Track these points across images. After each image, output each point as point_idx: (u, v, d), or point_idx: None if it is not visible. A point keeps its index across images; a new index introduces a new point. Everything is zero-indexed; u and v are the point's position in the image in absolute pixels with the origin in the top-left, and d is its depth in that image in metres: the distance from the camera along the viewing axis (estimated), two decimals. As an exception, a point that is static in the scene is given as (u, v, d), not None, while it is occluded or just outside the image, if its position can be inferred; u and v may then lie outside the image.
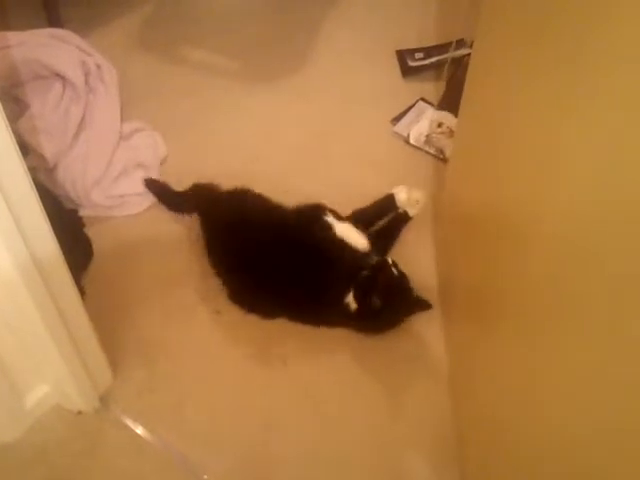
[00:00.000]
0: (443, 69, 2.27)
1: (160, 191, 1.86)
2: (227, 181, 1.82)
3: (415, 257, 1.74)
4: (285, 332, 1.59)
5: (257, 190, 1.77)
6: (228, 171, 1.94)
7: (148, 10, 2.53)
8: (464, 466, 1.36)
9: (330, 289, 1.54)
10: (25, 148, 1.74)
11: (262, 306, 1.59)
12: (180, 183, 1.89)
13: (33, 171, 1.71)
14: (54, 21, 2.23)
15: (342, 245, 1.57)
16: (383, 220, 1.78)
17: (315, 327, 1.58)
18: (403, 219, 1.79)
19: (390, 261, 1.54)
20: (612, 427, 0.75)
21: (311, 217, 1.63)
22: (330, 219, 1.62)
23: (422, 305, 1.57)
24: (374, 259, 1.56)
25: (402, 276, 1.54)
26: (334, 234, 1.59)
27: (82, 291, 1.45)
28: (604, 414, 0.77)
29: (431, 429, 1.46)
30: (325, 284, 1.54)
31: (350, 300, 1.52)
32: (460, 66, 2.14)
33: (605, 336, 0.76)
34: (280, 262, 1.55)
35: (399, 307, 1.55)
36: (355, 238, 1.59)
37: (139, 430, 1.41)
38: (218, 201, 1.76)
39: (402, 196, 1.78)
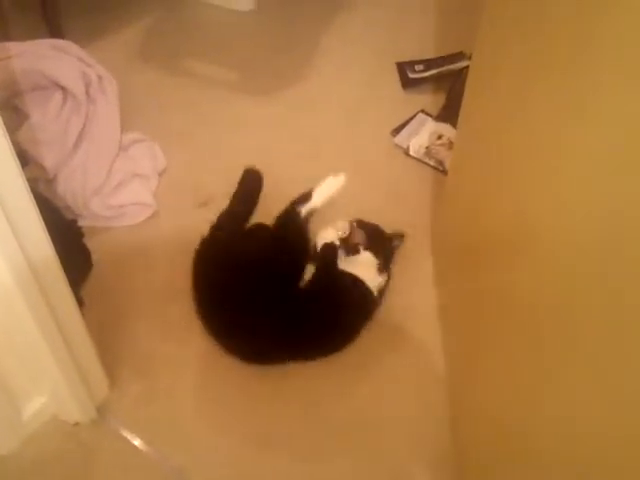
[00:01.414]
0: (443, 81, 2.27)
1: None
2: (226, 192, 1.82)
3: (414, 267, 1.74)
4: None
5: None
6: (227, 183, 1.94)
7: (149, 22, 2.54)
8: (463, 474, 1.36)
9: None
10: (25, 158, 1.74)
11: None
12: (178, 194, 1.90)
13: (33, 182, 1.71)
14: (55, 32, 2.24)
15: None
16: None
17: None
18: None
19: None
20: (616, 434, 0.75)
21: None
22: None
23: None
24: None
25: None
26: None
27: (81, 302, 1.44)
28: (606, 420, 0.77)
29: (430, 437, 1.46)
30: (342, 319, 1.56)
31: None
32: (460, 78, 2.15)
33: (606, 343, 0.76)
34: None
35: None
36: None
37: (136, 442, 1.40)
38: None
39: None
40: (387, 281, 1.63)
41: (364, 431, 1.46)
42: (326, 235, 1.64)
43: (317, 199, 1.69)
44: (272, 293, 1.50)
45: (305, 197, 1.70)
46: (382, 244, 1.65)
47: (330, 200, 1.69)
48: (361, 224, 1.66)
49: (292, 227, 1.66)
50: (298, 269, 1.59)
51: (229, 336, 1.54)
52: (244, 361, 1.52)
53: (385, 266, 1.63)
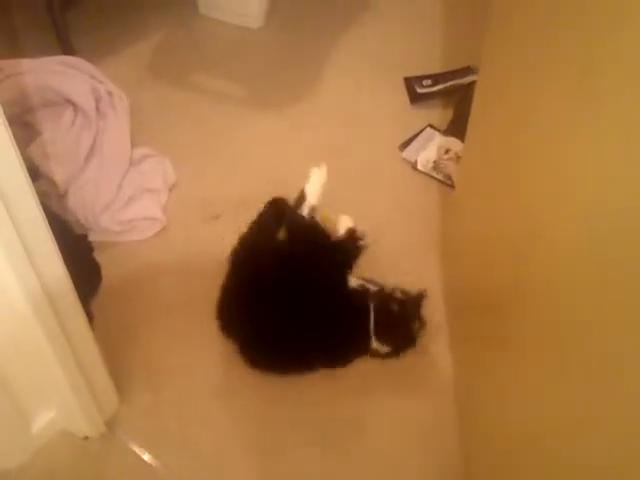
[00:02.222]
0: (451, 96, 2.28)
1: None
2: (235, 207, 1.83)
3: (422, 274, 1.74)
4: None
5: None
6: (236, 197, 1.96)
7: (159, 39, 2.56)
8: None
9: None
10: (36, 173, 1.76)
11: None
12: (188, 209, 1.91)
13: (44, 196, 1.72)
14: (66, 48, 2.26)
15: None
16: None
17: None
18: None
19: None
20: (624, 446, 0.75)
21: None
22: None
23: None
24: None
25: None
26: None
27: (90, 315, 1.45)
28: (614, 431, 0.76)
29: (438, 446, 1.46)
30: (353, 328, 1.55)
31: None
32: (468, 92, 2.15)
33: (614, 353, 0.76)
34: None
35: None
36: None
37: (145, 456, 1.41)
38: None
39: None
40: None
41: (374, 445, 1.46)
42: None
43: (312, 196, 1.68)
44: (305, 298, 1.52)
45: (300, 199, 1.70)
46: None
47: (323, 192, 1.70)
48: None
49: (305, 231, 1.66)
50: (324, 270, 1.58)
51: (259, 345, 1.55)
52: (267, 371, 1.53)
53: None
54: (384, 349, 1.54)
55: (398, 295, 1.54)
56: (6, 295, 1.05)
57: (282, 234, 1.67)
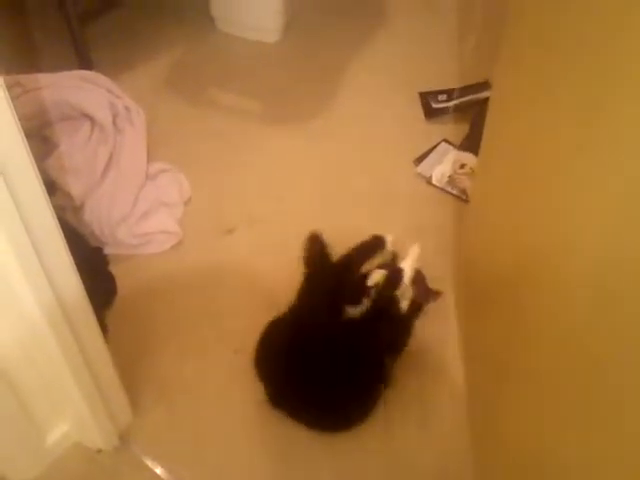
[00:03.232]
0: (466, 111, 2.28)
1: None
2: (249, 222, 1.84)
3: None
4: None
5: (279, 231, 1.78)
6: (251, 212, 1.96)
7: (175, 54, 2.58)
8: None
9: None
10: (53, 187, 1.77)
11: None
12: (203, 223, 1.92)
13: (60, 210, 1.74)
14: (84, 63, 2.29)
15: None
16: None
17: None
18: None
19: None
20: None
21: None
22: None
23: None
24: None
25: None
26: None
27: (105, 328, 1.46)
28: (626, 451, 0.76)
29: (450, 455, 1.45)
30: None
31: None
32: (483, 107, 2.15)
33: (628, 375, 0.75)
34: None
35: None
36: None
37: (158, 470, 1.41)
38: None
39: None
40: None
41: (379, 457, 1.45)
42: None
43: (407, 275, 1.55)
44: None
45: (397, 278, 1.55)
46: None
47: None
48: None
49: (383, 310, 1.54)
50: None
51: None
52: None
53: None
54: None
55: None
56: (21, 307, 1.06)
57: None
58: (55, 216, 1.02)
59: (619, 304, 0.78)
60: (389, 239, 1.63)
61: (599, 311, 0.85)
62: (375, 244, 1.62)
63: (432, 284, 1.66)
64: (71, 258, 1.08)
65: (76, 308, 1.14)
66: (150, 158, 1.97)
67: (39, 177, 0.96)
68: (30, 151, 0.92)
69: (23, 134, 0.89)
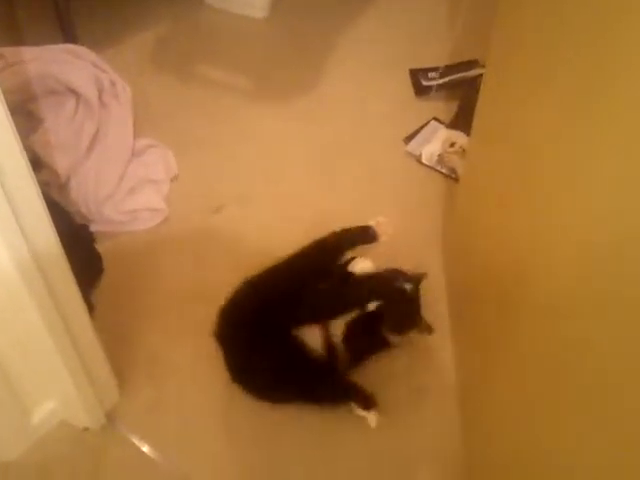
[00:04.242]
0: (456, 89, 2.26)
1: None
2: (237, 199, 1.82)
3: (426, 267, 1.71)
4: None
5: (267, 210, 1.76)
6: (238, 190, 1.95)
7: (162, 29, 2.55)
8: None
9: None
10: (38, 163, 1.75)
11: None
12: (190, 200, 1.90)
13: (45, 186, 1.72)
14: (69, 37, 2.25)
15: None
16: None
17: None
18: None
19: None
20: (628, 448, 0.74)
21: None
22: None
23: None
24: None
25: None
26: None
27: (91, 306, 1.45)
28: (619, 432, 0.76)
29: (442, 446, 1.45)
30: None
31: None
32: (473, 86, 2.14)
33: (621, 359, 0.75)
34: None
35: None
36: None
37: (144, 448, 1.40)
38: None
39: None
40: None
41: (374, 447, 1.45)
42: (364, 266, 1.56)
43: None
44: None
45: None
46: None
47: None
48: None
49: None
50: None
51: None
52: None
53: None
54: (396, 339, 1.52)
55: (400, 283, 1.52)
56: (2, 282, 1.05)
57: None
58: (40, 193, 1.00)
59: (606, 286, 0.78)
60: (379, 224, 1.58)
61: (586, 292, 0.84)
62: (363, 235, 1.57)
63: (422, 261, 1.66)
64: (55, 232, 1.07)
65: (60, 282, 1.13)
66: (136, 134, 1.95)
67: (24, 153, 0.94)
68: (13, 124, 0.90)
69: (5, 105, 0.87)
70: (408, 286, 1.50)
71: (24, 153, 0.94)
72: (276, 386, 1.47)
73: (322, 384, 1.46)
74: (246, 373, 1.49)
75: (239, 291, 1.51)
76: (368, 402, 1.44)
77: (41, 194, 1.01)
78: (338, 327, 1.46)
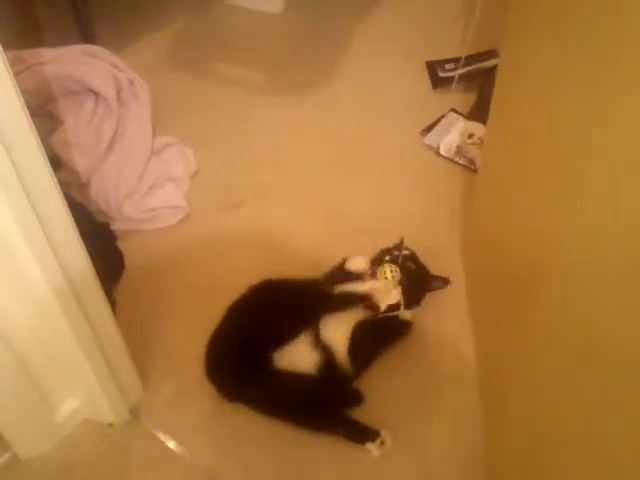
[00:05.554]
0: (474, 79, 2.25)
1: None
2: (256, 194, 1.82)
3: (445, 258, 1.74)
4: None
5: (285, 205, 1.77)
6: (257, 184, 1.96)
7: (178, 27, 2.56)
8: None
9: None
10: (58, 163, 1.77)
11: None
12: (209, 197, 1.91)
13: (66, 186, 1.73)
14: (87, 37, 2.27)
15: None
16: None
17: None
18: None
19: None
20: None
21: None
22: None
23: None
24: None
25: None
26: None
27: (113, 304, 1.46)
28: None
29: (462, 434, 1.44)
30: None
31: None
32: (491, 76, 2.13)
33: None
34: None
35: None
36: None
37: (170, 443, 1.41)
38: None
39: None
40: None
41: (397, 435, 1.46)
42: (358, 263, 1.55)
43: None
44: None
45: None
46: (421, 286, 1.55)
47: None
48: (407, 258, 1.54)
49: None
50: None
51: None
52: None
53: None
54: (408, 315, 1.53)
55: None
56: (28, 281, 1.06)
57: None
58: (59, 188, 1.01)
59: (622, 272, 0.78)
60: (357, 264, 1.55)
61: (603, 279, 0.84)
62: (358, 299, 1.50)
63: (441, 252, 1.66)
64: (77, 232, 1.08)
65: (84, 282, 1.14)
66: (155, 132, 1.96)
67: (44, 153, 0.95)
68: (33, 125, 0.91)
69: (24, 105, 0.88)
70: (405, 252, 1.52)
71: (45, 154, 0.95)
72: (272, 415, 1.45)
73: (314, 420, 1.44)
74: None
75: (223, 325, 1.51)
76: (362, 436, 1.41)
77: (62, 193, 1.02)
78: (331, 332, 1.45)
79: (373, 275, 1.50)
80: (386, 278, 1.48)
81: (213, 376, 1.47)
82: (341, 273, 1.55)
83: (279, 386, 1.42)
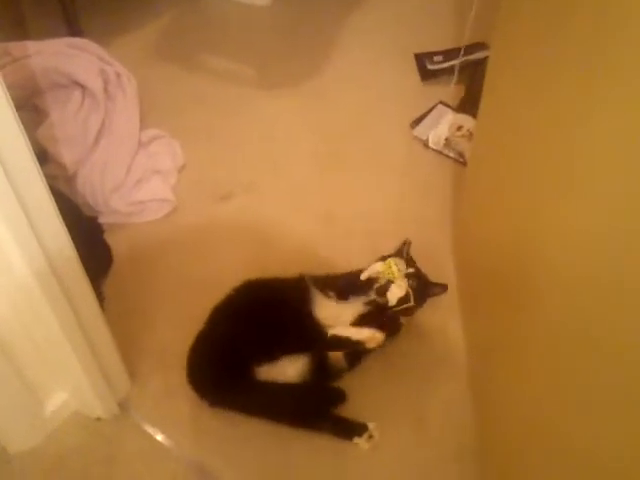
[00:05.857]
0: (463, 72, 2.25)
1: None
2: (244, 188, 1.82)
3: (435, 251, 1.75)
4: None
5: (274, 197, 1.77)
6: (245, 178, 1.95)
7: (166, 19, 2.55)
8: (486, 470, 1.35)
9: None
10: (44, 156, 1.76)
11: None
12: (197, 190, 1.91)
13: (53, 180, 1.72)
14: (74, 31, 2.26)
15: None
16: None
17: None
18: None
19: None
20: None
21: None
22: None
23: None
24: None
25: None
26: None
27: (101, 297, 1.45)
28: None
29: (453, 430, 1.45)
30: None
31: None
32: (480, 68, 2.13)
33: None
34: None
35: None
36: None
37: (158, 437, 1.41)
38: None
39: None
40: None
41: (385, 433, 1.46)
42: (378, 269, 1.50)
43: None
44: None
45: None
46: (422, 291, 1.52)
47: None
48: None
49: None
50: None
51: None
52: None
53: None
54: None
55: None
56: (13, 273, 1.06)
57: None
58: (47, 186, 1.01)
59: (609, 267, 0.78)
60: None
61: (591, 270, 0.84)
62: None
63: (431, 245, 1.66)
64: (63, 225, 1.08)
65: (70, 274, 1.14)
66: (143, 125, 1.95)
67: (30, 147, 0.94)
68: (18, 118, 0.90)
69: (10, 98, 0.88)
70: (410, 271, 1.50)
71: (30, 147, 0.94)
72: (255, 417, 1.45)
73: (298, 422, 1.43)
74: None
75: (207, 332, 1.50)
76: (350, 432, 1.41)
77: (48, 187, 1.01)
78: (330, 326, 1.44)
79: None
80: (391, 272, 1.47)
81: (195, 384, 1.47)
82: (350, 282, 1.52)
83: (261, 396, 1.43)
